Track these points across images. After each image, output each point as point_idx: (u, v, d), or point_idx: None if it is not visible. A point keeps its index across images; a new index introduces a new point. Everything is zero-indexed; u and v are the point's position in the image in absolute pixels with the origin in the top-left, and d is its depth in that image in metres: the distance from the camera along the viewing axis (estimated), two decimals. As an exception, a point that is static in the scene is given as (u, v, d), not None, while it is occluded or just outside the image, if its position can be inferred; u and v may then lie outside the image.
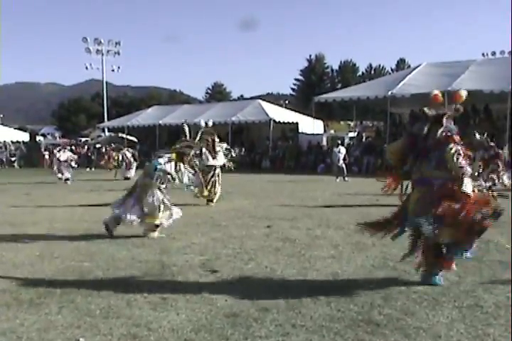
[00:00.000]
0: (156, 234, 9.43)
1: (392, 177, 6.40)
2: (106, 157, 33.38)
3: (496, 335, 4.44)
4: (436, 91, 6.20)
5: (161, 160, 9.66)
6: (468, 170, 5.77)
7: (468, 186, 5.78)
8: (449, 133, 5.86)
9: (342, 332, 4.57)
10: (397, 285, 6.04)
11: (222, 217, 11.78)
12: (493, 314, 4.96)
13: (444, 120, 5.90)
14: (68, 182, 23.55)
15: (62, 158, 24.34)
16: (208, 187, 14.23)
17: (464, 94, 6.11)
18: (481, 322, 4.76)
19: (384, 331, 4.58)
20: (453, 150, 5.70)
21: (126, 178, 25.49)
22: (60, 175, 23.98)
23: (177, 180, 9.77)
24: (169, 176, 9.61)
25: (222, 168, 15.00)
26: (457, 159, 5.65)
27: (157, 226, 9.42)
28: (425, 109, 6.09)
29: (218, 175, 14.72)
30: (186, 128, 11.09)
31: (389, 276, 6.43)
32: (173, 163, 9.73)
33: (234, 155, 16.51)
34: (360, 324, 4.76)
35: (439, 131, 5.87)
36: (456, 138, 5.85)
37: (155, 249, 8.27)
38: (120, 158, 27.66)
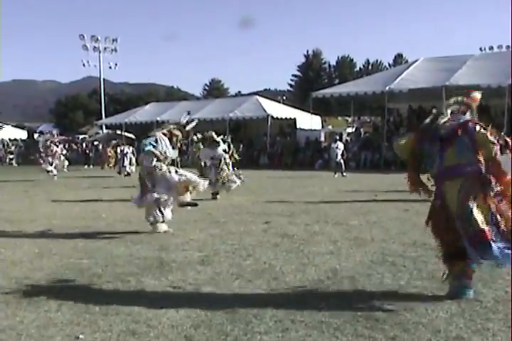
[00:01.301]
0: (163, 228, 9.48)
1: (408, 174, 6.05)
2: (103, 155, 33.53)
3: (495, 330, 4.44)
4: (477, 94, 5.86)
5: (147, 141, 9.60)
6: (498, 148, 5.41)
7: (505, 165, 5.52)
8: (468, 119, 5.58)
9: (341, 328, 4.57)
10: (396, 281, 6.04)
11: (220, 213, 11.78)
12: (492, 309, 4.96)
13: (449, 112, 5.65)
14: (55, 177, 23.63)
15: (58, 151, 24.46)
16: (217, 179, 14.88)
17: (478, 96, 5.86)
18: (480, 316, 4.76)
19: (383, 326, 4.58)
20: (482, 131, 5.36)
21: (128, 174, 25.60)
22: (49, 168, 24.08)
23: (169, 157, 9.69)
24: (159, 155, 9.50)
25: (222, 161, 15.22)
26: (488, 136, 5.31)
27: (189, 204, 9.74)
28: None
29: (223, 168, 15.10)
30: (184, 119, 11.05)
31: (388, 272, 6.43)
32: (166, 140, 9.71)
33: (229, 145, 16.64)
34: (360, 319, 4.76)
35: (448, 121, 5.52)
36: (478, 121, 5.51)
37: (153, 246, 8.27)
38: (118, 154, 27.70)
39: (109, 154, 33.71)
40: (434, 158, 5.60)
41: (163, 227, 9.51)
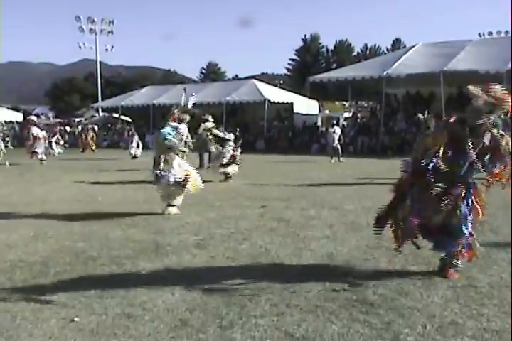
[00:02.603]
0: (174, 210, 9.61)
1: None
2: (83, 137, 33.57)
3: (490, 315, 4.46)
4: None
5: (166, 131, 9.66)
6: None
7: None
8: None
9: (336, 312, 4.58)
10: (391, 266, 6.06)
11: (216, 197, 11.77)
12: (487, 294, 4.97)
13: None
14: (44, 162, 23.55)
15: (34, 133, 24.19)
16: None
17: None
18: (475, 302, 4.78)
19: (378, 311, 4.59)
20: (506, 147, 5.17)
21: (134, 157, 25.77)
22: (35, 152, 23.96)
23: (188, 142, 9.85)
24: (175, 146, 9.69)
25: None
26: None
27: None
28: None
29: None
30: (183, 96, 11.06)
31: (383, 257, 6.44)
32: (181, 126, 9.99)
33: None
34: (355, 304, 4.77)
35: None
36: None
37: (149, 229, 8.27)
38: (126, 136, 27.65)
39: (92, 137, 34.02)
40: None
41: (174, 210, 9.64)
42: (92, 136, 34.40)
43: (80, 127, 42.11)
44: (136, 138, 27.10)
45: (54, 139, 29.26)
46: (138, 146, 26.75)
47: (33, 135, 23.75)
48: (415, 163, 5.60)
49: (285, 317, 4.51)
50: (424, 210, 5.38)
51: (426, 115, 14.61)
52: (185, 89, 11.48)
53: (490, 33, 53.67)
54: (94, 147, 33.61)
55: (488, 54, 27.79)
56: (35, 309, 4.78)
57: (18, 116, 51.22)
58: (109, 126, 44.05)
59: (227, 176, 15.57)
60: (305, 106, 37.48)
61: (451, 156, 5.35)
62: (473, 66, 26.54)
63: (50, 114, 75.74)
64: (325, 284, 5.33)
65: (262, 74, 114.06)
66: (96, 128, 37.87)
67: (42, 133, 24.53)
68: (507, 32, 50.29)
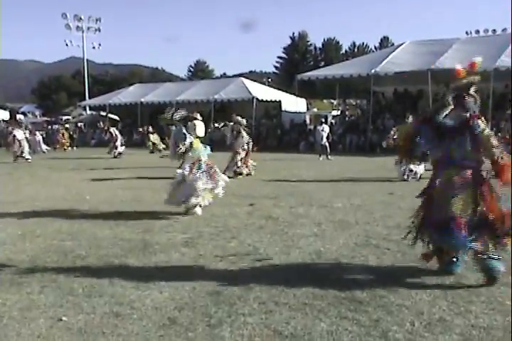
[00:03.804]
0: (200, 211, 9.41)
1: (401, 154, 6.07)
2: (59, 136, 33.40)
3: (477, 312, 4.48)
4: (458, 66, 5.94)
5: (184, 131, 9.66)
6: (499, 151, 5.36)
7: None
8: (472, 113, 5.49)
9: (325, 310, 4.58)
10: (379, 264, 6.08)
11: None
12: (475, 291, 5.00)
13: (466, 98, 5.57)
14: (30, 160, 23.57)
15: (19, 137, 24.14)
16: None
17: (478, 61, 5.87)
18: (463, 299, 4.80)
19: (367, 308, 4.60)
20: (486, 130, 5.37)
21: (118, 155, 25.67)
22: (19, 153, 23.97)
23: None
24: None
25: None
26: (491, 140, 5.34)
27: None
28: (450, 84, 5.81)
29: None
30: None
31: (372, 254, 6.45)
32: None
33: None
34: (343, 301, 4.78)
35: (463, 112, 5.51)
36: (479, 115, 5.52)
37: (137, 228, 8.24)
38: (109, 135, 27.44)
39: (65, 136, 33.95)
40: (434, 144, 5.58)
41: (199, 211, 9.42)
42: (63, 134, 34.20)
43: (57, 126, 41.92)
44: (119, 137, 26.85)
45: (39, 138, 29.25)
46: (117, 147, 26.50)
47: (18, 140, 23.76)
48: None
49: (274, 315, 4.51)
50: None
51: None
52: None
53: (477, 32, 53.86)
54: (67, 146, 33.51)
55: (476, 52, 27.56)
56: (23, 308, 4.75)
57: (4, 115, 50.88)
58: (97, 124, 43.88)
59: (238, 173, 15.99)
60: (293, 104, 37.48)
61: None
62: (460, 64, 26.62)
63: (37, 112, 75.47)
64: (313, 282, 5.33)
65: (250, 72, 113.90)
66: (74, 126, 37.77)
67: (25, 135, 24.63)
68: (494, 30, 50.53)
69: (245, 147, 16.51)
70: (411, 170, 14.37)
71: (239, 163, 16.15)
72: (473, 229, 5.20)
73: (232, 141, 16.75)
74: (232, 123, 17.39)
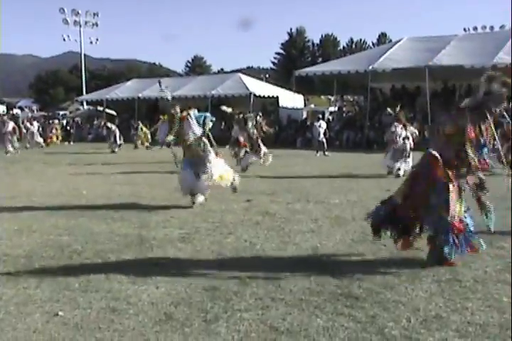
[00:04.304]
0: (202, 199, 9.83)
1: None
2: (50, 131, 33.31)
3: (473, 309, 4.49)
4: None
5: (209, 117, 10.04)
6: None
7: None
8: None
9: (321, 306, 4.59)
10: (376, 260, 6.08)
11: (202, 191, 11.71)
12: (471, 288, 5.01)
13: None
14: (8, 154, 23.85)
15: (8, 129, 24.32)
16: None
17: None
18: (460, 296, 4.81)
19: (363, 305, 4.60)
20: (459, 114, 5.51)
21: (118, 147, 25.72)
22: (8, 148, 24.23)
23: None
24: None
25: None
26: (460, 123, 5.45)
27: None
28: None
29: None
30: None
31: (368, 251, 6.46)
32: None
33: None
34: (340, 297, 4.78)
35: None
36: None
37: (134, 223, 8.24)
38: (107, 130, 27.35)
39: (57, 130, 33.95)
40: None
41: (202, 199, 9.87)
42: (55, 128, 34.15)
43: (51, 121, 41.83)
44: (117, 132, 26.76)
45: (35, 129, 29.40)
46: (117, 141, 26.42)
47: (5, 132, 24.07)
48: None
49: (270, 310, 4.52)
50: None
51: (395, 109, 15.06)
52: (160, 82, 10.99)
53: (475, 28, 53.91)
54: (54, 141, 33.43)
55: (474, 49, 27.89)
56: (19, 303, 4.75)
57: (1, 109, 50.79)
58: (94, 119, 43.79)
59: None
60: (291, 100, 37.46)
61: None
62: (458, 61, 26.63)
63: (34, 107, 75.28)
64: (310, 278, 5.34)
65: (248, 67, 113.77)
66: (71, 121, 37.71)
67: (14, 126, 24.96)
68: (492, 27, 50.53)
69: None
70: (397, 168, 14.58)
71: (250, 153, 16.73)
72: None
73: (238, 134, 17.04)
74: (239, 116, 17.66)
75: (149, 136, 27.88)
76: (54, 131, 33.61)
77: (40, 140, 29.90)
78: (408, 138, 14.78)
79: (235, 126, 17.47)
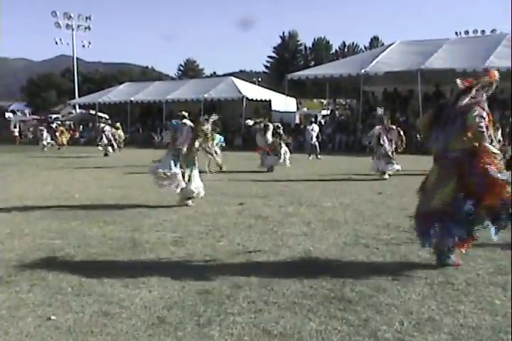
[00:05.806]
0: (191, 202, 10.20)
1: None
2: (58, 134, 33.43)
3: (466, 312, 4.49)
4: (492, 70, 5.89)
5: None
6: (486, 136, 5.42)
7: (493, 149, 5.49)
8: (474, 101, 5.55)
9: (314, 309, 4.58)
10: (369, 263, 6.08)
11: (194, 194, 11.70)
12: (463, 291, 5.01)
13: (474, 90, 5.58)
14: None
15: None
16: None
17: (496, 73, 5.85)
18: (452, 298, 4.81)
19: (356, 308, 4.61)
20: (476, 113, 5.40)
21: (118, 148, 25.85)
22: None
23: None
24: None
25: None
26: (479, 122, 5.37)
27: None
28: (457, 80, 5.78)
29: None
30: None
31: (361, 254, 6.46)
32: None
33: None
34: (333, 301, 4.78)
35: (466, 99, 5.57)
36: (483, 105, 5.55)
37: (127, 226, 8.22)
38: (109, 135, 27.27)
39: (64, 133, 34.10)
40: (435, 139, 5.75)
41: (190, 202, 10.28)
42: (62, 132, 34.28)
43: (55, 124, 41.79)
44: (109, 134, 26.68)
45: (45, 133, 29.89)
46: (109, 144, 26.36)
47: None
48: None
49: (263, 314, 4.51)
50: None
51: (383, 111, 15.23)
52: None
53: (467, 32, 54.00)
54: (64, 143, 33.45)
55: (465, 53, 28.02)
56: (11, 307, 4.73)
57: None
58: (88, 123, 43.75)
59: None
60: (283, 103, 37.51)
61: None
62: (450, 65, 26.74)
63: (27, 111, 75.10)
64: (303, 281, 5.33)
65: (240, 71, 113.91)
66: (53, 126, 37.77)
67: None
68: (483, 31, 50.65)
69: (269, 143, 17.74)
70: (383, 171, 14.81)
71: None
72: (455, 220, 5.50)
73: (261, 140, 17.97)
74: (261, 124, 18.43)
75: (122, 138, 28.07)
76: (60, 134, 33.68)
77: (52, 142, 30.49)
78: (391, 141, 14.96)
79: (258, 134, 18.29)
